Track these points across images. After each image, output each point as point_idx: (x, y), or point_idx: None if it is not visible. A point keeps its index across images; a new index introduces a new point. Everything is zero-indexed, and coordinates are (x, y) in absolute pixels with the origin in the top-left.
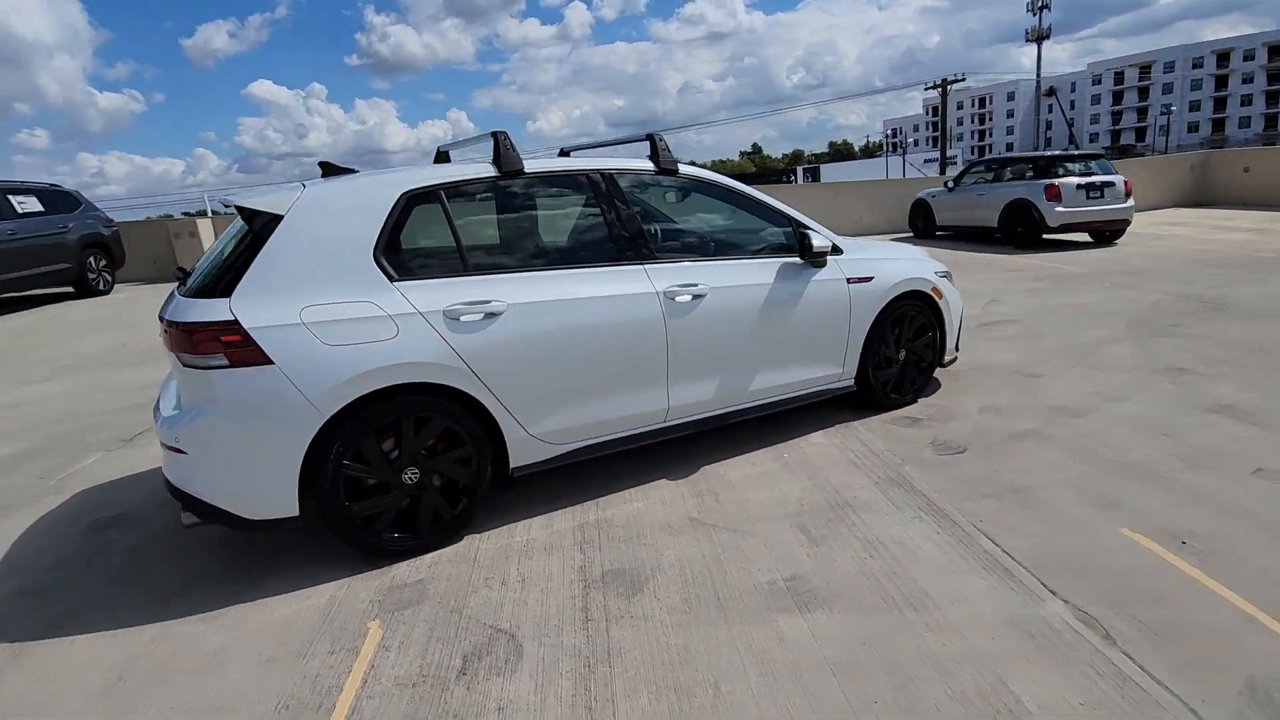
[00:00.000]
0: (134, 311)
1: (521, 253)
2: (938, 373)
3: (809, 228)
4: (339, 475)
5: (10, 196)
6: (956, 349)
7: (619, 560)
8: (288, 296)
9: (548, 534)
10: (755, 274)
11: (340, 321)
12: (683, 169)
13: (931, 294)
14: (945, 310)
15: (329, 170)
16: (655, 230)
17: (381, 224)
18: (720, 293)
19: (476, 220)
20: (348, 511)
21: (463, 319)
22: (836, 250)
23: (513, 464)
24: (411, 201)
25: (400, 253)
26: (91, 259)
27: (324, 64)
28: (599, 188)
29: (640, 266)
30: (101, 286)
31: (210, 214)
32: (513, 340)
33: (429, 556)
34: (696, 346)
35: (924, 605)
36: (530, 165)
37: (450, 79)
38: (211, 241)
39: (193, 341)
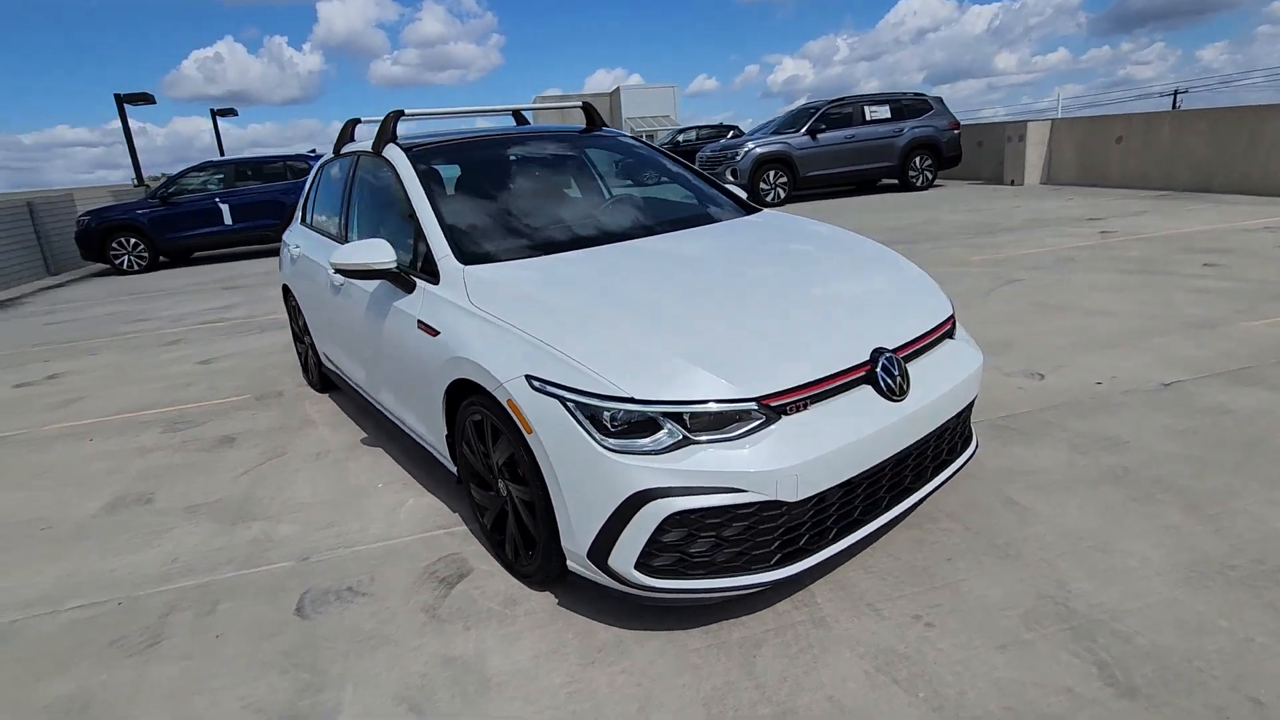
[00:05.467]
0: (902, 203)
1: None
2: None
3: (429, 238)
4: None
5: (867, 107)
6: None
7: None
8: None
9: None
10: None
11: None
12: (351, 148)
13: (509, 409)
14: (545, 457)
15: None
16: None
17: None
18: (348, 286)
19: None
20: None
21: (292, 253)
22: (426, 272)
23: (321, 366)
24: None
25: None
26: (917, 159)
27: None
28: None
29: (339, 240)
30: (919, 183)
31: (1059, 116)
32: (297, 274)
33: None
34: (341, 333)
35: None
36: None
37: None
38: (1044, 147)
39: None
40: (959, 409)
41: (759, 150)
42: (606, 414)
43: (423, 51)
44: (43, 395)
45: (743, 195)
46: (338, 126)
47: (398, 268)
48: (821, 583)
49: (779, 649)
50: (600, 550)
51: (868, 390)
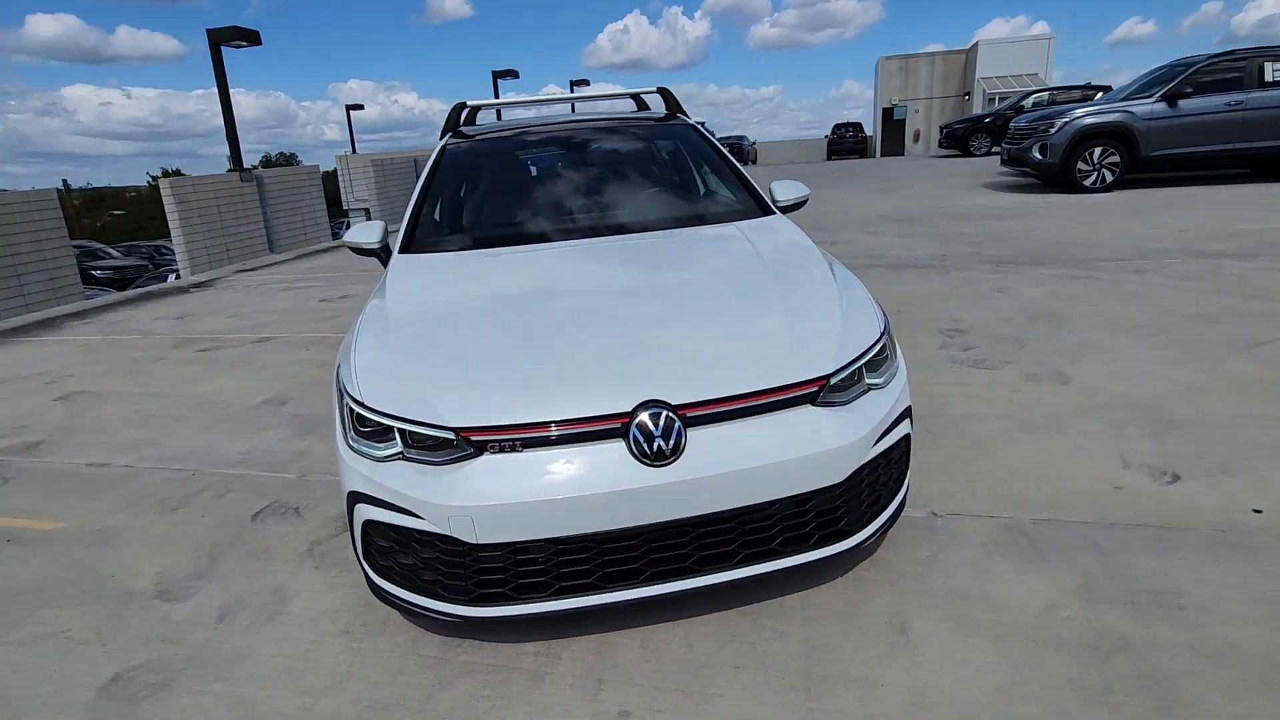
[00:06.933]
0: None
1: None
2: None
3: None
4: None
5: (1269, 63)
6: None
7: None
8: None
9: None
10: None
11: None
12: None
13: None
14: None
15: None
16: None
17: None
18: None
19: None
20: None
21: None
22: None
23: None
24: None
25: None
26: None
27: None
28: None
29: None
30: None
31: None
32: None
33: None
34: None
35: None
36: None
37: None
38: None
39: None
40: (787, 493)
41: (1087, 120)
42: (352, 414)
43: (801, 11)
44: (325, 310)
45: (782, 197)
46: (714, 90)
47: (380, 249)
48: (589, 639)
49: (476, 687)
50: (351, 535)
51: (618, 447)
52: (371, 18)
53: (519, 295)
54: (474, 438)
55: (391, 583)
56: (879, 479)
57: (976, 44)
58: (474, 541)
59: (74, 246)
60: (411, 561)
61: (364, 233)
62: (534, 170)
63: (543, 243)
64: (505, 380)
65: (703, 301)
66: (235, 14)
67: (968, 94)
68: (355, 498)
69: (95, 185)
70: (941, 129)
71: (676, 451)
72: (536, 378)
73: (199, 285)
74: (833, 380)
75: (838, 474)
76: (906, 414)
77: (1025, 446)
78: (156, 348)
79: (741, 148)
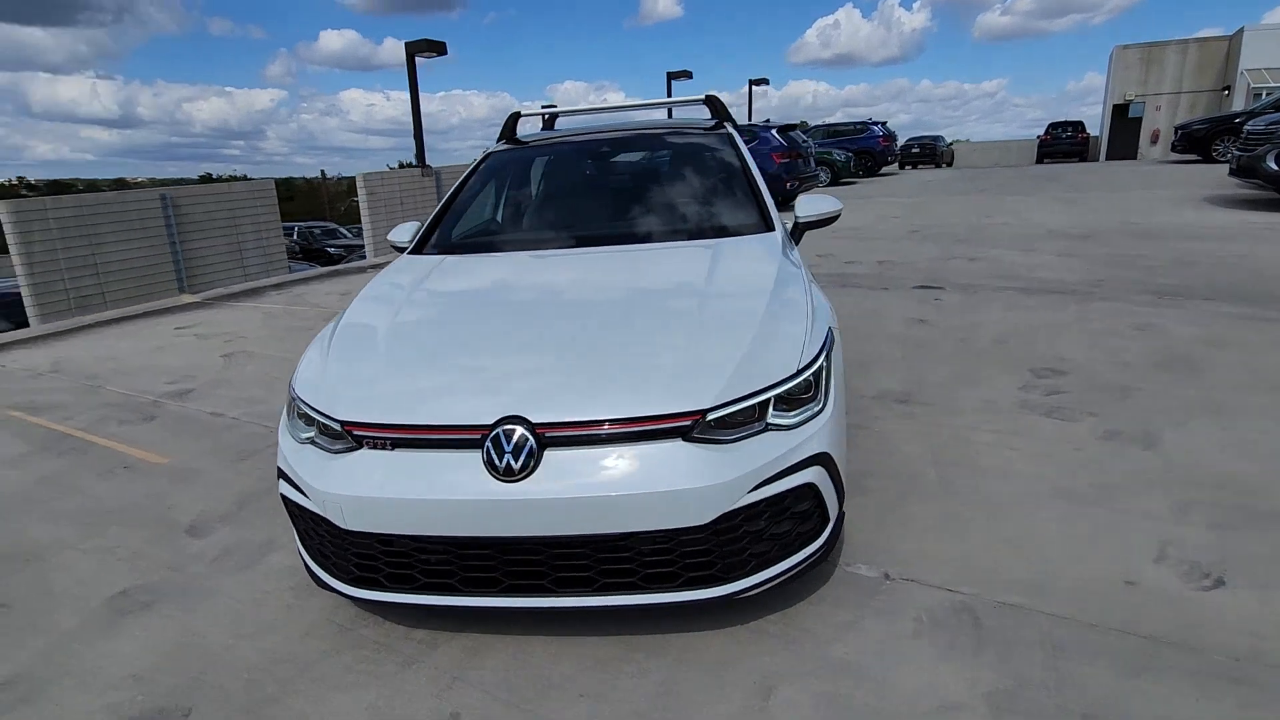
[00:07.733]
0: None
1: None
2: None
3: None
4: None
5: None
6: None
7: None
8: None
9: None
10: None
11: None
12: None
13: None
14: None
15: None
16: None
17: None
18: None
19: None
20: None
21: None
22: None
23: None
24: None
25: None
26: None
27: None
28: None
29: None
30: None
31: None
32: None
33: None
34: None
35: None
36: None
37: None
38: None
39: None
40: (642, 527)
41: None
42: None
43: None
44: None
45: (805, 213)
46: (927, 86)
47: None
48: (470, 637)
49: (355, 660)
50: None
51: (475, 457)
52: (587, 22)
53: (457, 304)
54: (355, 432)
55: (307, 552)
56: (767, 528)
57: (1241, 30)
58: (343, 527)
59: (317, 227)
60: (316, 537)
61: (401, 233)
62: (549, 180)
63: (524, 251)
64: (396, 381)
65: (616, 321)
66: (477, 21)
67: (1227, 89)
68: (278, 472)
69: (346, 175)
70: (1176, 130)
71: (527, 469)
72: (422, 382)
73: (375, 266)
74: (711, 416)
75: (701, 516)
76: (816, 460)
77: (1046, 516)
78: (313, 319)
79: (936, 148)
